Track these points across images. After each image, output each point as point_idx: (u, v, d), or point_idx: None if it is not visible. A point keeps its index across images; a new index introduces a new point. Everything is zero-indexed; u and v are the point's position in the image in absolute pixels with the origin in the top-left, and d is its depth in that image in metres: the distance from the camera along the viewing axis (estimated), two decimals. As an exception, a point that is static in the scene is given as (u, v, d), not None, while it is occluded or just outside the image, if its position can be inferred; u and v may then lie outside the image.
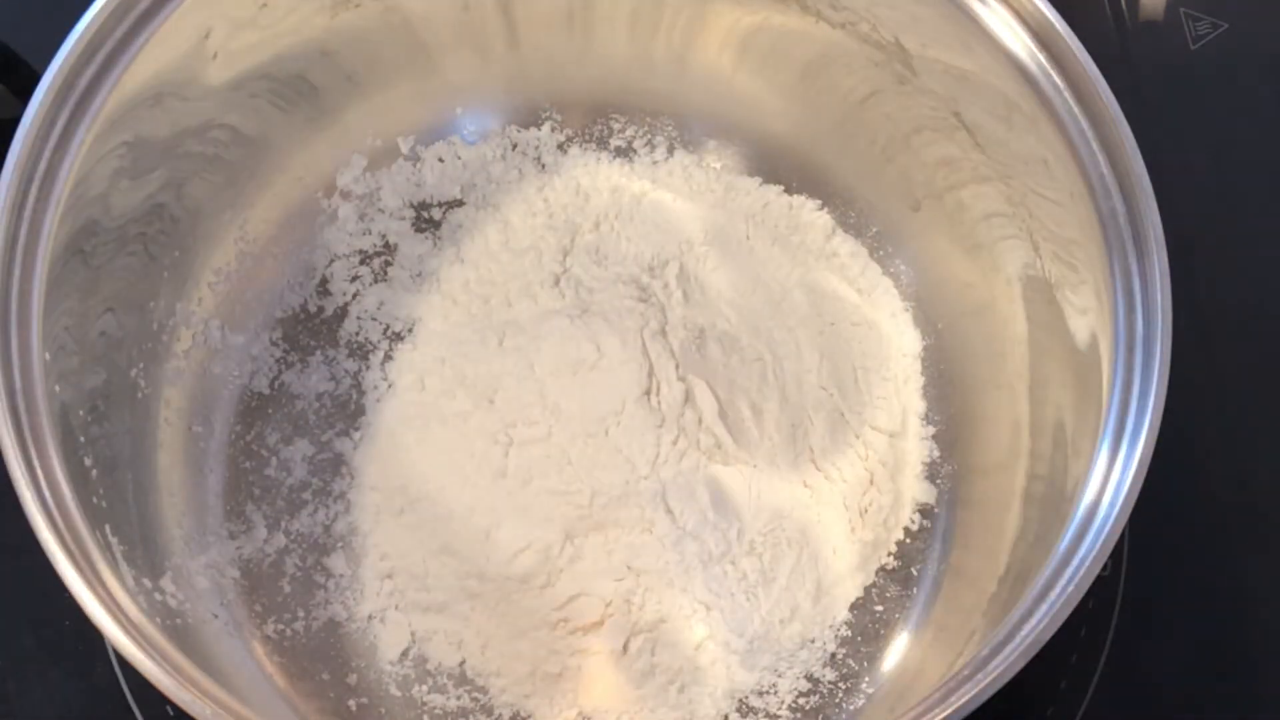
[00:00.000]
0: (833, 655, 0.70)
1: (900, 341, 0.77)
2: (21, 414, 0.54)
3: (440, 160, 0.80)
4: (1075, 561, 0.54)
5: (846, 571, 0.71)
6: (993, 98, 0.64)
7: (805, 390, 0.74)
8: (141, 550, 0.61)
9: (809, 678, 0.69)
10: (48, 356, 0.56)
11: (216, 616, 0.65)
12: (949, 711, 0.50)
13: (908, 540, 0.73)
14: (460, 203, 0.80)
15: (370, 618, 0.69)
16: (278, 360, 0.75)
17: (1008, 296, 0.69)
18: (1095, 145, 0.60)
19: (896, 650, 0.70)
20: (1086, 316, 0.61)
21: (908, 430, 0.75)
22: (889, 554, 0.72)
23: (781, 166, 0.80)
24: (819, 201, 0.79)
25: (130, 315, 0.66)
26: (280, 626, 0.68)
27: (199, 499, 0.70)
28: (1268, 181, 0.84)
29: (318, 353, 0.76)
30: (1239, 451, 0.77)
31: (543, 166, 0.81)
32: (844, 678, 0.69)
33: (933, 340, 0.77)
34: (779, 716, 0.68)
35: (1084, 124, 0.60)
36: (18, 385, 0.54)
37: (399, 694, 0.68)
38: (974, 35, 0.62)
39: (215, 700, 0.50)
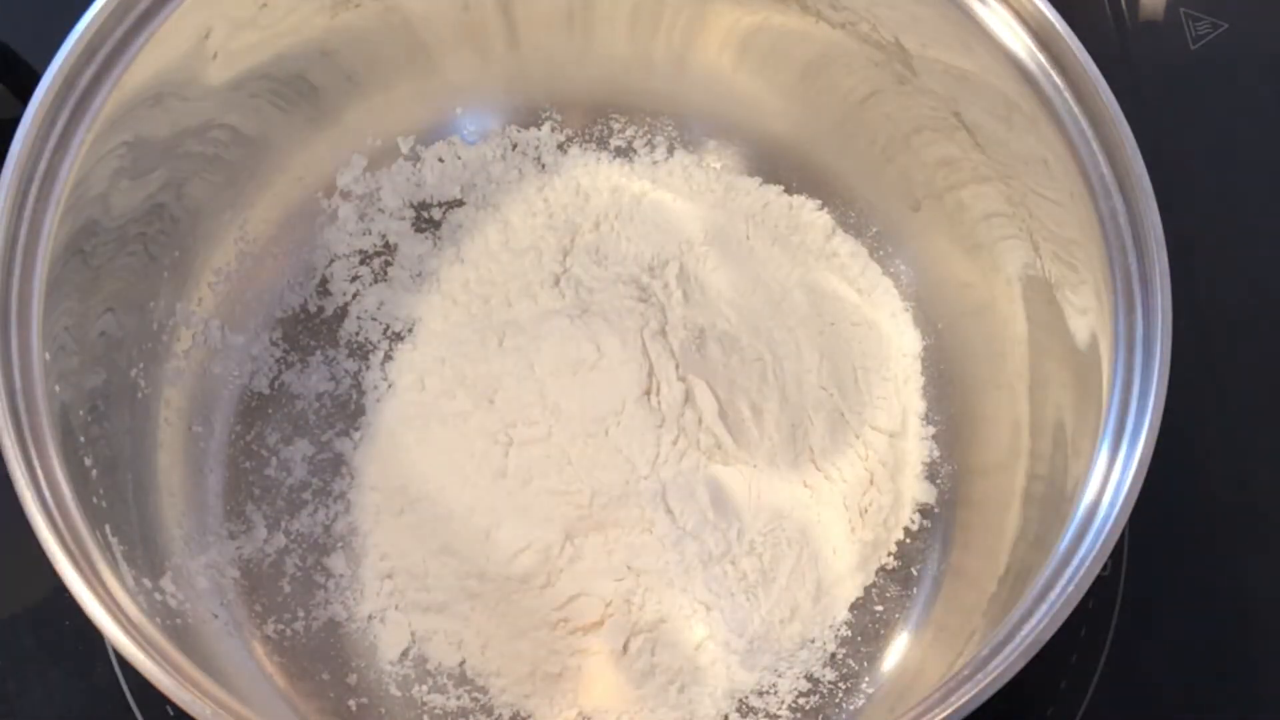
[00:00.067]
0: (833, 655, 0.70)
1: (900, 341, 0.77)
2: (21, 414, 0.54)
3: (440, 160, 0.80)
4: (1075, 561, 0.54)
5: (846, 571, 0.71)
6: (993, 98, 0.64)
7: (805, 390, 0.74)
8: (141, 550, 0.61)
9: (809, 678, 0.69)
10: (48, 356, 0.56)
11: (216, 616, 0.65)
12: (949, 711, 0.50)
13: (908, 540, 0.73)
14: (460, 203, 0.80)
15: (370, 618, 0.69)
16: (278, 360, 0.75)
17: (1008, 296, 0.69)
18: (1095, 145, 0.60)
19: (896, 650, 0.70)
20: (1086, 316, 0.61)
21: (908, 430, 0.75)
22: (889, 554, 0.72)
23: (781, 166, 0.80)
24: (819, 201, 0.79)
25: (130, 315, 0.66)
26: (280, 626, 0.68)
27: (199, 499, 0.70)
28: (1268, 181, 0.84)
29: (318, 353, 0.76)
30: (1239, 451, 0.77)
31: (543, 166, 0.81)
32: (844, 678, 0.69)
33: (933, 340, 0.77)
34: (779, 716, 0.68)
35: (1084, 124, 0.60)
36: (18, 385, 0.54)
37: (399, 694, 0.68)
38: (974, 35, 0.62)
39: (215, 700, 0.50)
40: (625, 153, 0.81)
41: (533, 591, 0.68)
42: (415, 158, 0.80)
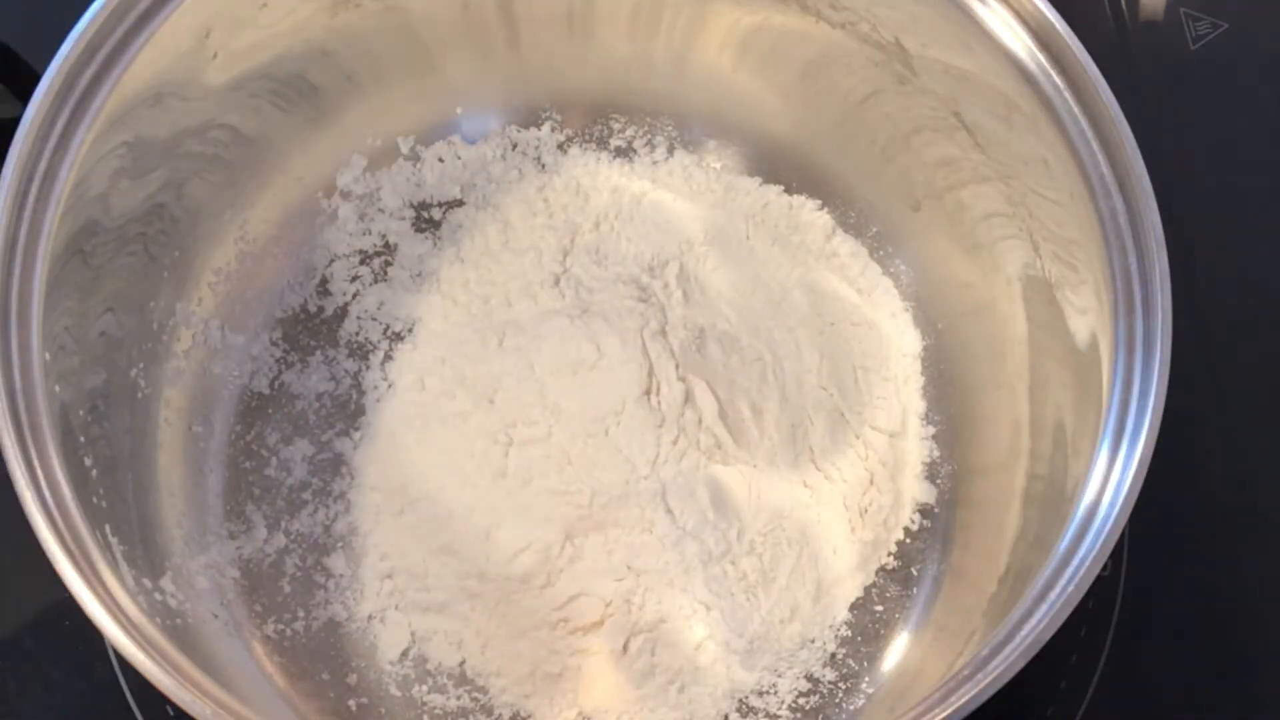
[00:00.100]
0: (833, 655, 0.70)
1: (900, 341, 0.77)
2: (21, 414, 0.54)
3: (440, 160, 0.80)
4: (1075, 561, 0.54)
5: (846, 571, 0.71)
6: (993, 98, 0.64)
7: (805, 390, 0.74)
8: (141, 550, 0.61)
9: (809, 678, 0.69)
10: (48, 356, 0.56)
11: (216, 616, 0.65)
12: (949, 711, 0.50)
13: (908, 540, 0.73)
14: (460, 203, 0.80)
15: (370, 618, 0.69)
16: (278, 360, 0.75)
17: (1008, 296, 0.69)
18: (1095, 145, 0.60)
19: (896, 650, 0.70)
20: (1086, 316, 0.61)
21: (908, 430, 0.75)
22: (889, 554, 0.72)
23: (781, 166, 0.80)
24: (819, 201, 0.79)
25: (130, 315, 0.66)
26: (280, 626, 0.68)
27: (199, 499, 0.70)
28: (1268, 181, 0.84)
29: (318, 353, 0.76)
30: (1239, 451, 0.77)
31: (543, 166, 0.81)
32: (844, 678, 0.69)
33: (933, 340, 0.77)
34: (779, 716, 0.68)
35: (1084, 124, 0.60)
36: (18, 385, 0.54)
37: (399, 694, 0.68)
38: (974, 35, 0.62)
39: (215, 700, 0.50)
40: (625, 153, 0.81)
41: (533, 591, 0.68)
42: (415, 158, 0.80)
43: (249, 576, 0.69)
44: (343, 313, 0.77)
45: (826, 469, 0.73)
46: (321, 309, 0.77)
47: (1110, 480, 0.55)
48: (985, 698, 0.50)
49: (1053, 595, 0.53)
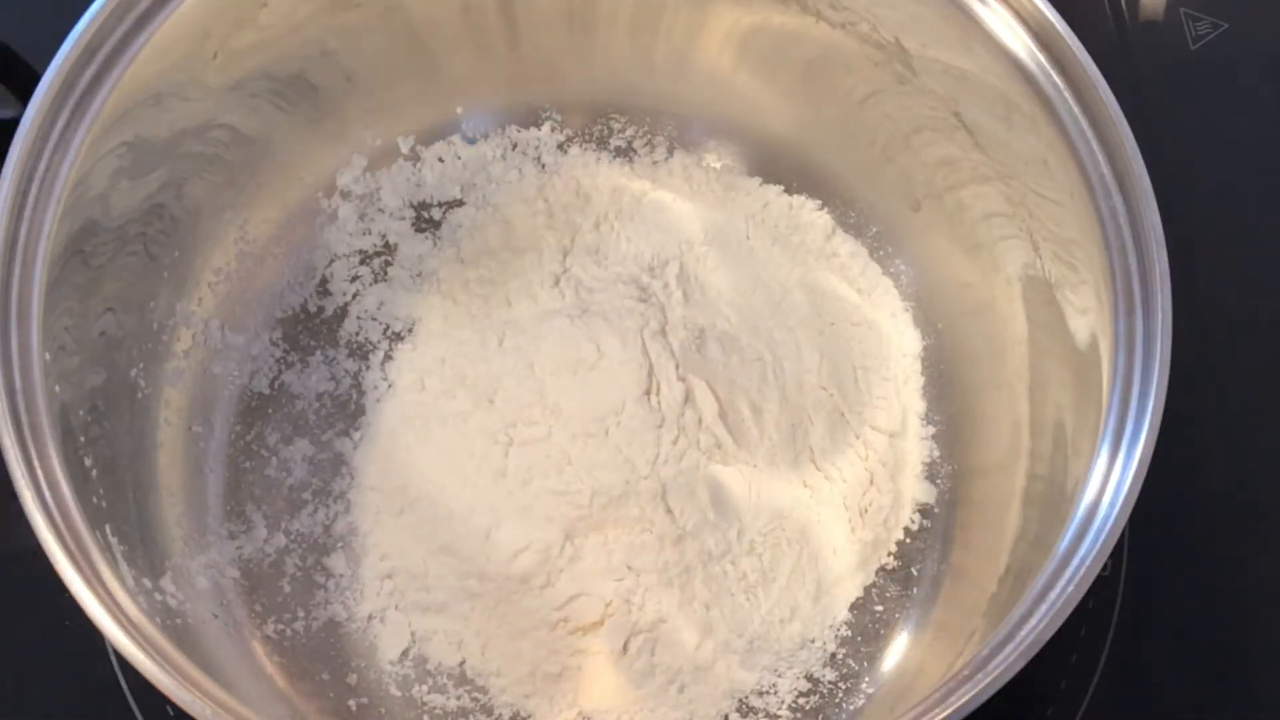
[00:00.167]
0: (833, 655, 0.70)
1: (900, 341, 0.77)
2: (21, 414, 0.54)
3: (440, 160, 0.80)
4: (1075, 561, 0.54)
5: (846, 571, 0.71)
6: (993, 98, 0.64)
7: (805, 390, 0.74)
8: (141, 550, 0.61)
9: (809, 678, 0.69)
10: (48, 356, 0.56)
11: (216, 616, 0.65)
12: (949, 711, 0.50)
13: (908, 540, 0.73)
14: (460, 203, 0.80)
15: (370, 618, 0.69)
16: (278, 360, 0.75)
17: (1008, 296, 0.69)
18: (1095, 145, 0.60)
19: (896, 650, 0.70)
20: (1086, 316, 0.61)
21: (908, 430, 0.75)
22: (889, 554, 0.72)
23: (781, 166, 0.80)
24: (819, 201, 0.79)
25: (130, 315, 0.66)
26: (280, 626, 0.68)
27: (199, 499, 0.70)
28: (1268, 181, 0.84)
29: (318, 353, 0.76)
30: (1239, 451, 0.77)
31: (543, 166, 0.81)
32: (844, 678, 0.69)
33: (933, 340, 0.77)
34: (779, 716, 0.68)
35: (1084, 124, 0.60)
36: (18, 385, 0.54)
37: (399, 694, 0.68)
38: (974, 35, 0.62)
39: (215, 700, 0.50)
40: (625, 153, 0.81)
41: (533, 591, 0.68)
42: (415, 158, 0.80)
43: (249, 576, 0.69)
44: (343, 313, 0.77)
45: (826, 469, 0.73)
46: (321, 309, 0.77)
47: (1110, 480, 0.55)
48: (985, 698, 0.50)
49: (1053, 595, 0.53)
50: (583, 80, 0.80)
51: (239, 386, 0.74)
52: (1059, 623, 0.52)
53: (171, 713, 0.68)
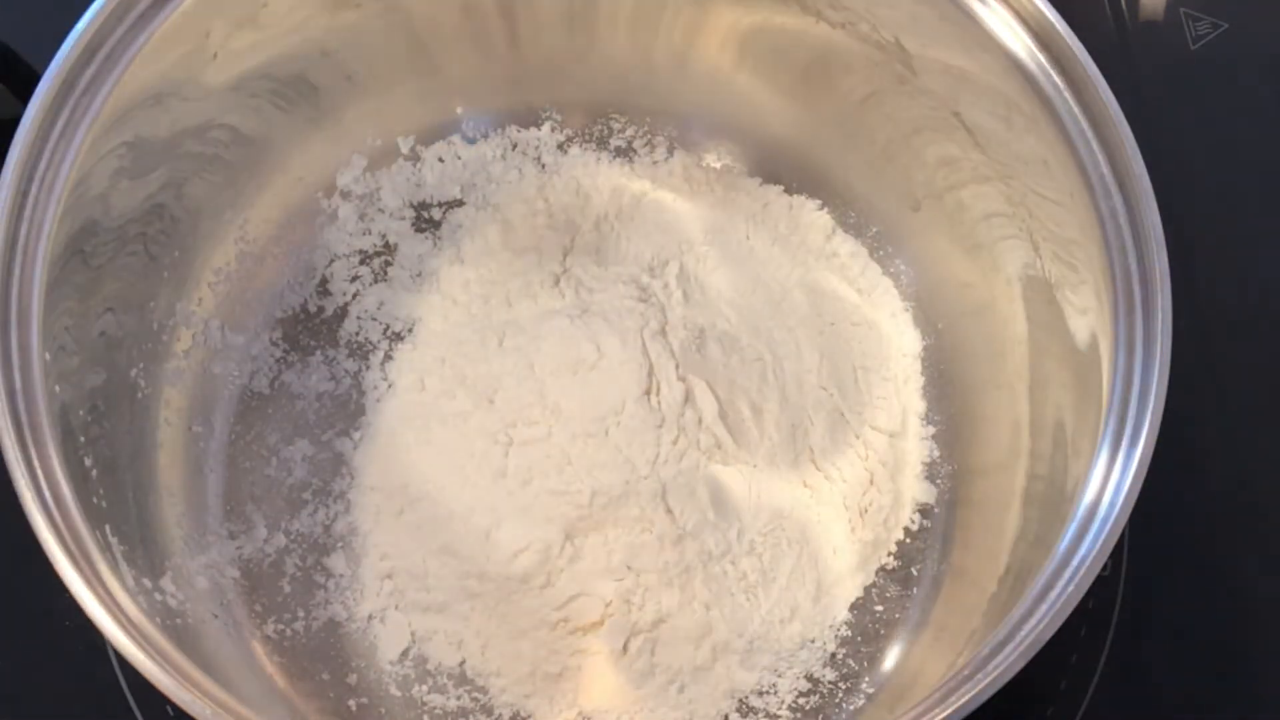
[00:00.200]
0: (833, 655, 0.70)
1: (900, 341, 0.77)
2: (21, 414, 0.54)
3: (440, 160, 0.80)
4: (1075, 561, 0.54)
5: (846, 571, 0.71)
6: (993, 98, 0.64)
7: (805, 390, 0.74)
8: (141, 550, 0.61)
9: (809, 678, 0.69)
10: (48, 356, 0.56)
11: (216, 616, 0.65)
12: (949, 711, 0.50)
13: (908, 540, 0.73)
14: (460, 203, 0.80)
15: (370, 618, 0.69)
16: (278, 360, 0.75)
17: (1008, 296, 0.69)
18: (1095, 145, 0.60)
19: (896, 650, 0.70)
20: (1086, 316, 0.61)
21: (908, 430, 0.75)
22: (889, 554, 0.72)
23: (781, 166, 0.80)
24: (819, 201, 0.79)
25: (130, 315, 0.66)
26: (280, 626, 0.68)
27: (199, 499, 0.70)
28: (1268, 181, 0.84)
29: (318, 353, 0.76)
30: (1239, 451, 0.77)
31: (543, 166, 0.81)
32: (844, 678, 0.69)
33: (933, 340, 0.77)
34: (779, 716, 0.68)
35: (1084, 124, 0.60)
36: (18, 385, 0.54)
37: (399, 694, 0.68)
38: (974, 35, 0.62)
39: (215, 700, 0.50)
40: (625, 153, 0.81)
41: (533, 591, 0.68)
42: (415, 158, 0.80)
43: (249, 576, 0.69)
44: (343, 313, 0.77)
45: (826, 469, 0.73)
46: (321, 309, 0.77)
47: (1110, 480, 0.55)
48: (985, 698, 0.50)
49: (1053, 595, 0.53)
50: (583, 80, 0.80)
51: (239, 386, 0.74)
52: (1059, 623, 0.52)
53: (171, 713, 0.68)
